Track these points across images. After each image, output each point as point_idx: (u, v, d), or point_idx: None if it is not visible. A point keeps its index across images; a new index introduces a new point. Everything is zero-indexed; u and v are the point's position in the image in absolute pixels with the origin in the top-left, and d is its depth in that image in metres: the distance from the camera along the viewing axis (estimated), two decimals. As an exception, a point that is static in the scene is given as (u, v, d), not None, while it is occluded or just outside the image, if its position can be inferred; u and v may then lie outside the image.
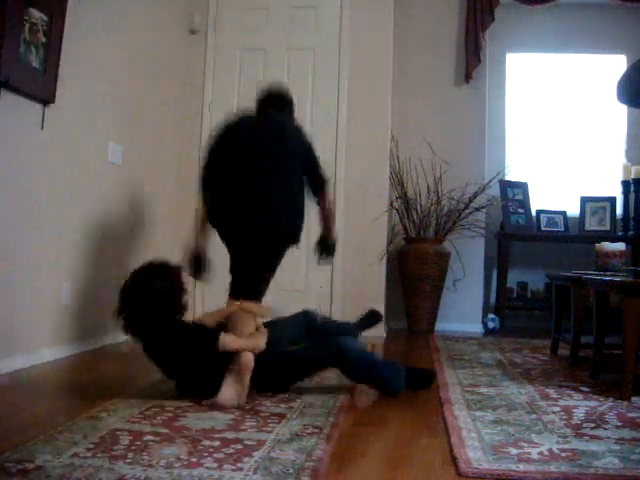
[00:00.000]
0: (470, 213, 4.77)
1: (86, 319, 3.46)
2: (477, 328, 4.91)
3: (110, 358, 3.33)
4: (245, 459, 1.66)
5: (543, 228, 5.26)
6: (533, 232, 5.20)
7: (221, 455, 1.69)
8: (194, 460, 1.64)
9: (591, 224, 5.22)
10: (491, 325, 4.94)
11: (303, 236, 2.76)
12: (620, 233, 5.05)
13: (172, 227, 4.63)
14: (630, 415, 2.26)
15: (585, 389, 2.70)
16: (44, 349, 3.05)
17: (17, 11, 2.70)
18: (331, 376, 2.82)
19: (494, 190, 5.09)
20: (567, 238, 5.21)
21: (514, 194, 5.23)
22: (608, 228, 5.18)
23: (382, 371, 2.53)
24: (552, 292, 3.92)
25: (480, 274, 5.01)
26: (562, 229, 5.27)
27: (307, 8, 4.73)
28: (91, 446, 1.73)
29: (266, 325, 2.64)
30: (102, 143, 3.59)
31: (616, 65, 5.32)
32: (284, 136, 2.76)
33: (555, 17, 5.37)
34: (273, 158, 2.67)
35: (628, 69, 3.09)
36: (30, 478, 1.49)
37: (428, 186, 4.84)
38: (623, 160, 5.32)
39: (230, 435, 1.88)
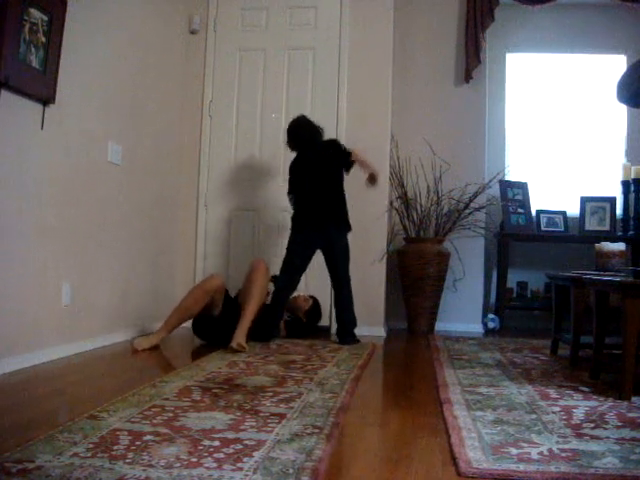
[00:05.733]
0: (470, 213, 4.77)
1: (86, 319, 3.46)
2: (477, 328, 4.91)
3: (110, 358, 3.33)
4: (245, 459, 1.66)
5: (543, 228, 5.26)
6: (533, 232, 5.20)
7: (221, 455, 1.69)
8: (194, 460, 1.64)
9: (591, 224, 5.22)
10: (491, 325, 4.94)
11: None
12: (620, 233, 5.05)
13: (172, 227, 4.64)
14: (630, 415, 2.26)
15: (585, 389, 2.70)
16: (44, 349, 3.05)
17: (17, 11, 2.70)
18: (332, 375, 2.83)
19: (494, 190, 5.09)
20: (567, 238, 5.21)
21: (514, 194, 5.23)
22: (608, 228, 5.18)
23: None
24: (552, 292, 3.92)
25: (480, 274, 5.02)
26: (562, 229, 5.27)
27: (307, 8, 4.73)
28: (91, 446, 1.73)
29: None
30: (102, 143, 3.59)
31: (616, 65, 5.33)
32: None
33: (555, 17, 5.37)
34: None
35: (628, 69, 3.08)
36: (30, 478, 1.49)
37: (428, 186, 4.84)
38: (623, 160, 5.33)
39: (230, 435, 1.87)
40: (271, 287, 4.00)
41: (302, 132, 4.11)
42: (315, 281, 4.55)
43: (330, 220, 4.00)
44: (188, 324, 4.02)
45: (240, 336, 3.50)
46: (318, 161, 4.04)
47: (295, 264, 4.00)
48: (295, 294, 4.34)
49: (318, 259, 4.34)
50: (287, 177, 4.21)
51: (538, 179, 5.43)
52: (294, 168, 4.12)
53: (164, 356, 3.54)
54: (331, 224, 4.00)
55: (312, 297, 4.35)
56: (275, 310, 3.96)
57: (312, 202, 4.01)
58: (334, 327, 4.55)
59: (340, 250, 4.03)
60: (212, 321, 3.78)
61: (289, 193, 4.13)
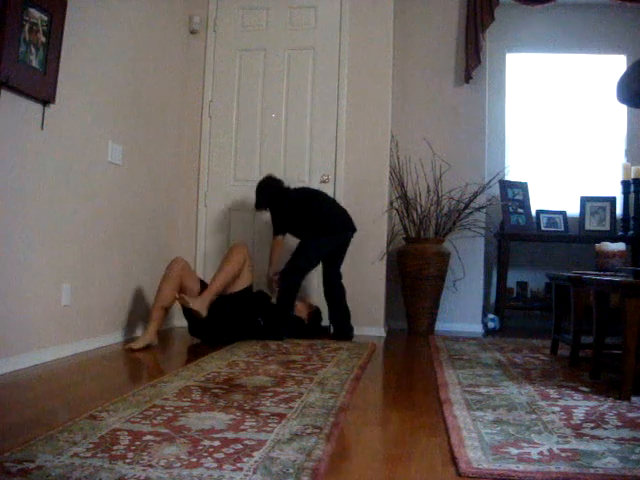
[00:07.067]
0: (470, 213, 4.77)
1: (86, 320, 3.46)
2: (477, 328, 4.91)
3: (110, 358, 3.33)
4: (245, 459, 1.66)
5: (543, 228, 5.26)
6: (533, 232, 5.20)
7: (221, 455, 1.69)
8: (194, 460, 1.64)
9: (591, 224, 5.22)
10: (491, 325, 4.94)
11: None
12: (620, 233, 5.05)
13: (172, 227, 4.64)
14: (630, 415, 2.26)
15: (585, 389, 2.70)
16: (44, 349, 3.05)
17: (17, 11, 2.70)
18: (332, 375, 2.83)
19: (494, 190, 5.09)
20: (567, 238, 5.21)
21: (514, 194, 5.24)
22: (608, 228, 5.18)
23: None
24: (552, 292, 3.92)
25: (480, 274, 5.01)
26: (562, 229, 5.28)
27: (307, 8, 4.73)
28: (91, 446, 1.73)
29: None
30: (102, 143, 3.59)
31: (616, 65, 5.33)
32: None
33: (555, 17, 5.37)
34: None
35: (628, 69, 3.08)
36: (30, 478, 1.49)
37: (428, 186, 4.84)
38: (623, 160, 5.33)
39: (230, 435, 1.87)
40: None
41: (276, 182, 4.29)
42: (314, 281, 4.56)
43: (350, 223, 4.26)
44: (184, 323, 4.02)
45: (200, 301, 3.65)
46: (313, 190, 4.33)
47: (313, 265, 4.21)
48: (302, 296, 4.40)
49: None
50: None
51: (538, 179, 5.43)
52: (283, 210, 4.18)
53: (163, 356, 3.54)
54: (350, 227, 4.26)
55: (315, 305, 4.43)
56: (288, 311, 4.04)
57: (332, 209, 4.23)
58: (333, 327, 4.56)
59: (346, 249, 4.32)
60: (204, 322, 3.78)
61: (282, 231, 4.17)
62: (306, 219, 4.15)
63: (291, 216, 4.17)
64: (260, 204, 4.25)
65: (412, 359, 3.63)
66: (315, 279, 4.54)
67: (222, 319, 3.81)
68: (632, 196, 5.01)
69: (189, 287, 3.83)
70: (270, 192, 4.22)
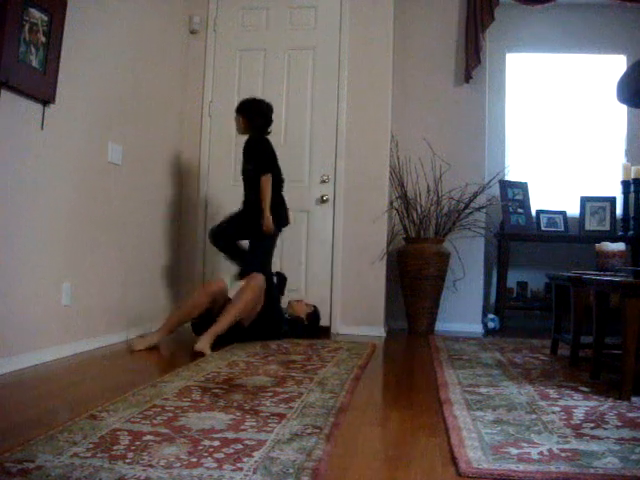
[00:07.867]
0: (470, 213, 4.77)
1: (86, 319, 3.46)
2: (477, 328, 4.91)
3: (110, 358, 3.33)
4: (245, 459, 1.66)
5: (543, 228, 5.26)
6: (533, 232, 5.20)
7: (221, 455, 1.69)
8: (194, 460, 1.64)
9: (591, 224, 5.22)
10: (491, 325, 4.94)
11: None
12: (620, 233, 5.05)
13: (172, 227, 4.64)
14: (630, 415, 2.26)
15: (585, 389, 2.70)
16: (44, 349, 3.05)
17: (17, 11, 2.70)
18: (332, 375, 2.83)
19: (494, 190, 5.09)
20: (567, 238, 5.21)
21: (514, 194, 5.24)
22: (608, 228, 5.18)
23: None
24: (552, 292, 3.92)
25: (480, 274, 5.01)
26: (562, 229, 5.28)
27: (307, 8, 4.73)
28: (91, 446, 1.73)
29: None
30: (102, 143, 3.59)
31: (616, 65, 5.33)
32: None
33: (555, 17, 5.37)
34: None
35: (628, 69, 3.08)
36: (30, 478, 1.49)
37: (428, 186, 4.84)
38: (623, 160, 5.33)
39: (230, 435, 1.87)
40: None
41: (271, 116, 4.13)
42: (313, 281, 4.55)
43: None
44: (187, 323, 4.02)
45: (205, 340, 3.45)
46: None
47: (270, 262, 4.12)
48: (299, 298, 4.40)
49: (317, 259, 4.32)
50: (284, 176, 4.22)
51: (538, 179, 5.43)
52: (271, 149, 4.06)
53: (164, 356, 3.54)
54: None
55: (314, 305, 4.39)
56: (280, 310, 4.05)
57: (281, 194, 4.12)
58: (334, 327, 4.56)
59: None
60: (210, 320, 3.79)
61: (266, 172, 3.96)
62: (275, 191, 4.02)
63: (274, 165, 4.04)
64: (245, 110, 4.06)
65: (412, 359, 3.63)
66: (314, 277, 4.53)
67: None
68: (632, 196, 5.01)
69: (217, 301, 3.82)
70: (262, 113, 4.08)
